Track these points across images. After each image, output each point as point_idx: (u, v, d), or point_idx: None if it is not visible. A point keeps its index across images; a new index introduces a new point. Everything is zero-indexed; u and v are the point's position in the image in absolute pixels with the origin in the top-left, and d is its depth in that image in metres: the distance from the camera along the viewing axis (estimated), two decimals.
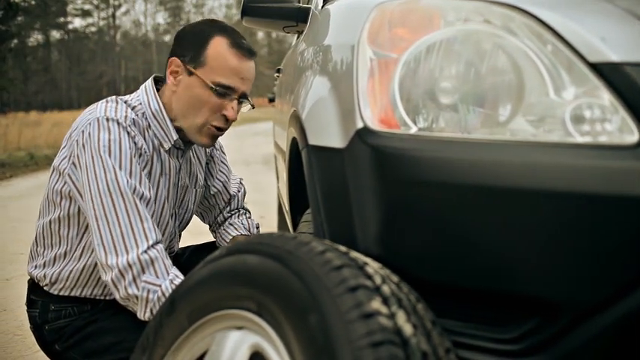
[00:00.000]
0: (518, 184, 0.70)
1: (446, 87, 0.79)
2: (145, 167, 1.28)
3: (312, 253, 0.68)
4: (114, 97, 1.35)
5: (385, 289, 0.65)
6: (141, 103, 1.33)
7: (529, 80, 0.76)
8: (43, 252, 1.38)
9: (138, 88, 1.39)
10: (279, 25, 1.74)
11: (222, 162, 1.63)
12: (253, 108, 1.37)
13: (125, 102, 1.31)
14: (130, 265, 1.15)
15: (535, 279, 0.70)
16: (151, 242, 1.17)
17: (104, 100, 1.32)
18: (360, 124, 0.82)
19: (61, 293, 1.36)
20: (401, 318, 0.62)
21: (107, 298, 1.38)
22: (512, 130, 0.75)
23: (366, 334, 0.58)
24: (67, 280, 1.35)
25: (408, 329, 0.61)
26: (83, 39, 49.73)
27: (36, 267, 1.39)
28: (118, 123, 1.22)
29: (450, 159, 0.74)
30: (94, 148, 1.19)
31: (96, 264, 1.32)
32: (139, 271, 1.15)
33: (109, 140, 1.19)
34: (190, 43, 1.30)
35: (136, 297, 1.16)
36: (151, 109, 1.32)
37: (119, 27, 53.43)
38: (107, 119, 1.22)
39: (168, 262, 1.20)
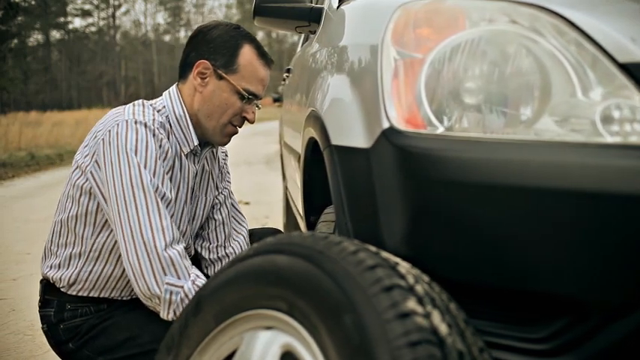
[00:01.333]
0: (547, 184, 0.70)
1: (473, 87, 0.79)
2: (168, 171, 1.31)
3: (344, 253, 0.68)
4: (141, 100, 1.38)
5: (419, 288, 0.65)
6: (165, 107, 1.37)
7: (557, 81, 0.76)
8: (57, 251, 1.39)
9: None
10: (291, 25, 1.74)
11: (227, 181, 1.64)
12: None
13: (151, 105, 1.36)
14: (150, 263, 1.16)
15: (565, 279, 0.70)
16: (168, 240, 1.18)
17: (132, 104, 1.35)
18: (386, 125, 0.82)
19: (79, 294, 1.36)
20: (436, 317, 0.62)
21: (124, 298, 1.39)
22: (540, 130, 0.76)
23: (404, 334, 0.58)
24: (85, 282, 1.35)
25: (443, 329, 0.61)
26: (83, 39, 49.66)
27: (51, 267, 1.39)
28: (146, 125, 1.26)
29: (479, 159, 0.74)
30: (120, 147, 1.22)
31: (115, 270, 1.34)
32: (160, 270, 1.16)
33: (136, 140, 1.23)
34: (221, 48, 1.36)
35: (158, 298, 1.17)
36: (175, 113, 1.36)
37: (119, 27, 53.38)
38: (135, 122, 1.25)
39: (188, 262, 1.21)
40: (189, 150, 1.37)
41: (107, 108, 24.76)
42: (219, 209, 1.58)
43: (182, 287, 1.17)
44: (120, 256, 1.32)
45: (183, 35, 55.97)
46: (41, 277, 1.43)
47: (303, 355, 0.68)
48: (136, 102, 1.36)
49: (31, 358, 2.04)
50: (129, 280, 1.36)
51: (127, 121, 1.25)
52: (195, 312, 0.85)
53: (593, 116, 0.73)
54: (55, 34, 47.90)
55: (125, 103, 1.40)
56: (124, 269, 1.34)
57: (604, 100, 0.73)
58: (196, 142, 1.37)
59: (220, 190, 1.59)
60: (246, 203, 4.93)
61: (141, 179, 1.19)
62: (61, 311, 1.37)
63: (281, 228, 3.91)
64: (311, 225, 1.51)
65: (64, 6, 47.03)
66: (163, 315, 1.19)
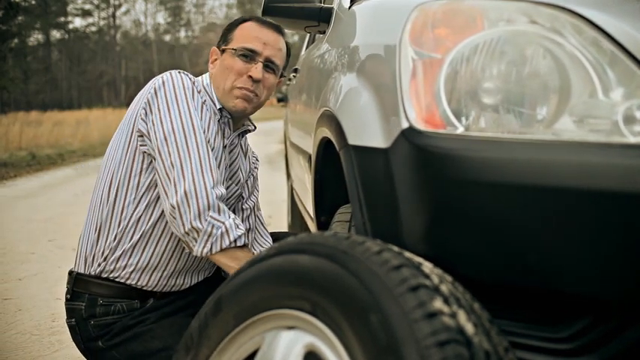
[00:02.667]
0: (568, 184, 0.70)
1: (494, 87, 0.79)
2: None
3: (368, 253, 0.68)
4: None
5: (444, 288, 0.65)
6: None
7: (577, 81, 0.76)
8: (91, 226, 1.37)
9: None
10: (300, 25, 1.73)
11: (256, 189, 1.67)
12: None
13: None
14: (197, 200, 1.21)
15: (587, 278, 0.70)
16: (215, 179, 1.25)
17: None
18: (405, 124, 0.82)
19: (117, 264, 1.34)
20: (462, 317, 0.62)
21: (157, 290, 1.38)
22: (559, 130, 0.76)
23: (432, 334, 0.58)
24: (128, 242, 1.34)
25: (469, 328, 0.61)
26: (83, 39, 49.62)
27: (88, 245, 1.37)
28: (190, 78, 1.37)
29: (500, 159, 0.74)
30: (169, 88, 1.30)
31: (157, 225, 1.35)
32: (206, 206, 1.21)
33: (183, 85, 1.32)
34: (225, 32, 1.49)
35: (198, 231, 1.21)
36: (202, 83, 1.45)
37: (119, 27, 53.36)
38: (179, 72, 1.36)
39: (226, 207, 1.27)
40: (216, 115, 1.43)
41: (107, 108, 24.76)
42: (248, 216, 1.60)
43: (224, 222, 1.22)
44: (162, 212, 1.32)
45: (183, 35, 55.96)
46: (69, 270, 1.41)
47: (328, 355, 0.68)
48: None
49: (39, 358, 2.04)
50: (166, 247, 1.36)
51: (170, 72, 1.35)
52: (215, 312, 0.85)
53: (614, 116, 0.73)
54: (56, 34, 47.86)
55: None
56: (165, 226, 1.34)
57: (626, 100, 0.73)
58: (219, 105, 1.42)
59: (249, 195, 1.61)
60: None
61: (192, 121, 1.28)
62: (92, 306, 1.35)
63: (285, 228, 3.91)
64: (322, 225, 1.50)
65: (65, 6, 46.98)
66: (198, 249, 1.22)
